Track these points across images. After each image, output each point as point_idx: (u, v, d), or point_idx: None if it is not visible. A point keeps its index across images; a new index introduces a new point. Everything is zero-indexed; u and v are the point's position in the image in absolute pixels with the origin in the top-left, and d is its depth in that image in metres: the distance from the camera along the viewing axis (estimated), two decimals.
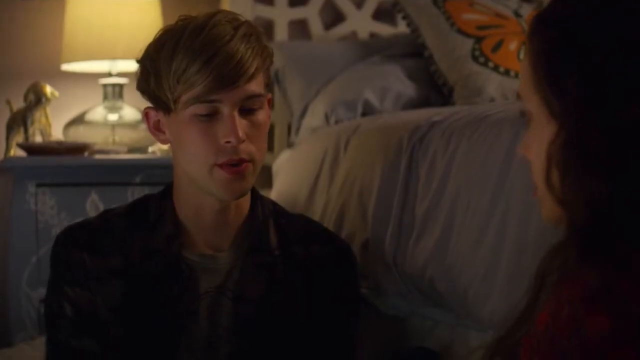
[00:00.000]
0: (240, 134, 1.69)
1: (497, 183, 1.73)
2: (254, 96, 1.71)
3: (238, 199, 1.77)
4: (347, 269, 1.88)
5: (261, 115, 1.74)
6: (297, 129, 2.87)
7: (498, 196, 1.73)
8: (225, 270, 1.79)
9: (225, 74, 1.67)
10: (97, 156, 2.69)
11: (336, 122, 2.69)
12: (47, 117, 2.71)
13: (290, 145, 2.92)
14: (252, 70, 1.68)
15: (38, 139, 2.72)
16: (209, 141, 1.70)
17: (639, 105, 1.10)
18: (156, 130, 1.78)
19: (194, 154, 1.71)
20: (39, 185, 2.58)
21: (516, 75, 2.68)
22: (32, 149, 2.64)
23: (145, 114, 1.79)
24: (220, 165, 1.70)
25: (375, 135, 2.23)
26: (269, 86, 1.79)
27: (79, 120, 2.88)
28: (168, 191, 1.82)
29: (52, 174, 2.59)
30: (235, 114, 1.69)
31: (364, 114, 2.69)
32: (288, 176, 2.68)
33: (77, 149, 2.64)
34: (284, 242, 1.83)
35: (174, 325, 1.76)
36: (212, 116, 1.70)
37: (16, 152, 2.71)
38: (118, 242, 1.78)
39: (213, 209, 1.77)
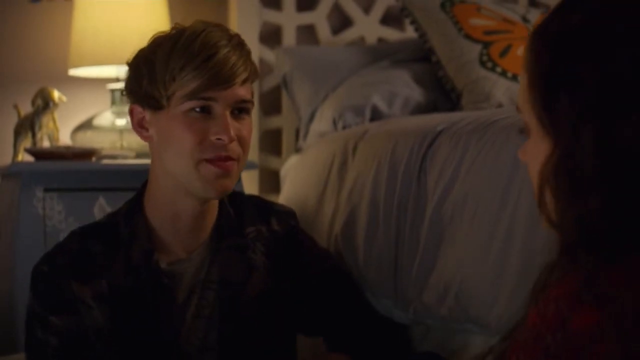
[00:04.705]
0: (232, 133, 1.73)
1: (505, 189, 1.73)
2: (245, 101, 1.77)
3: (221, 197, 1.81)
4: (299, 231, 2.00)
5: (249, 122, 1.80)
6: (305, 134, 2.87)
7: (505, 202, 1.72)
8: (201, 264, 1.83)
9: (222, 73, 1.72)
10: (105, 161, 2.69)
11: (344, 127, 2.68)
12: (54, 122, 2.71)
13: (298, 150, 2.92)
14: (245, 75, 1.76)
15: (46, 144, 2.72)
16: (200, 136, 1.74)
17: (633, 124, 1.09)
18: (139, 127, 1.81)
19: (182, 149, 1.74)
20: (46, 190, 2.57)
21: None
22: (39, 154, 2.64)
23: (131, 110, 1.82)
24: (209, 160, 1.74)
25: (383, 140, 2.23)
26: (252, 102, 1.82)
27: (86, 125, 2.88)
28: (136, 204, 1.84)
29: (59, 179, 2.59)
30: (227, 113, 1.74)
31: (371, 119, 2.69)
32: (296, 181, 2.68)
33: (85, 154, 2.64)
34: (241, 224, 1.90)
35: (167, 337, 1.79)
36: (204, 113, 1.74)
37: (24, 157, 2.71)
38: (99, 266, 1.79)
39: (191, 213, 1.81)
